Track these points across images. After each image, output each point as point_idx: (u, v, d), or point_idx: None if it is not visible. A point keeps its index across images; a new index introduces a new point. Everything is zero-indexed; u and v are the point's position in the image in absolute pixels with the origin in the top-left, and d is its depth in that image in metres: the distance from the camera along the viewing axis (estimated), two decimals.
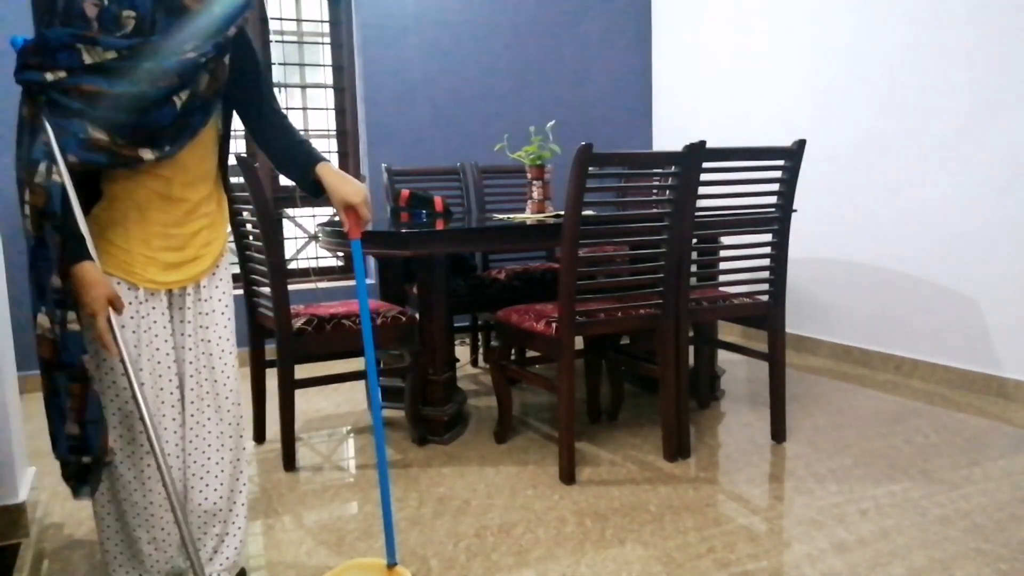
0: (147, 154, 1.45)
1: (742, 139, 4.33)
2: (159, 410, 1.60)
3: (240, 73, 1.63)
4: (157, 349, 1.59)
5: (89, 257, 1.42)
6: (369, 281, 4.46)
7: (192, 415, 1.64)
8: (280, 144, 1.71)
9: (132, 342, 1.56)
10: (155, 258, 1.56)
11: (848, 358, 3.85)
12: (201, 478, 1.66)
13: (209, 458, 1.67)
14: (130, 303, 1.56)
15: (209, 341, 1.66)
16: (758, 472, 2.47)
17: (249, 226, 2.62)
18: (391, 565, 1.75)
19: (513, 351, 3.25)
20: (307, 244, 4.43)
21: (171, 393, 1.61)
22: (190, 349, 1.63)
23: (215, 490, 1.68)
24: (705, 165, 2.39)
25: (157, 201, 1.54)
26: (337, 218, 4.50)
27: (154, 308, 1.59)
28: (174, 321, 1.64)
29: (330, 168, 1.68)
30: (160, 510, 1.63)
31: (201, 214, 1.64)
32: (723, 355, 3.47)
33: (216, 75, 1.53)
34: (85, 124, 1.39)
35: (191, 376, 1.64)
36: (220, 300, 1.70)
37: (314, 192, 1.71)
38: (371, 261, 4.46)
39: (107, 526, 1.63)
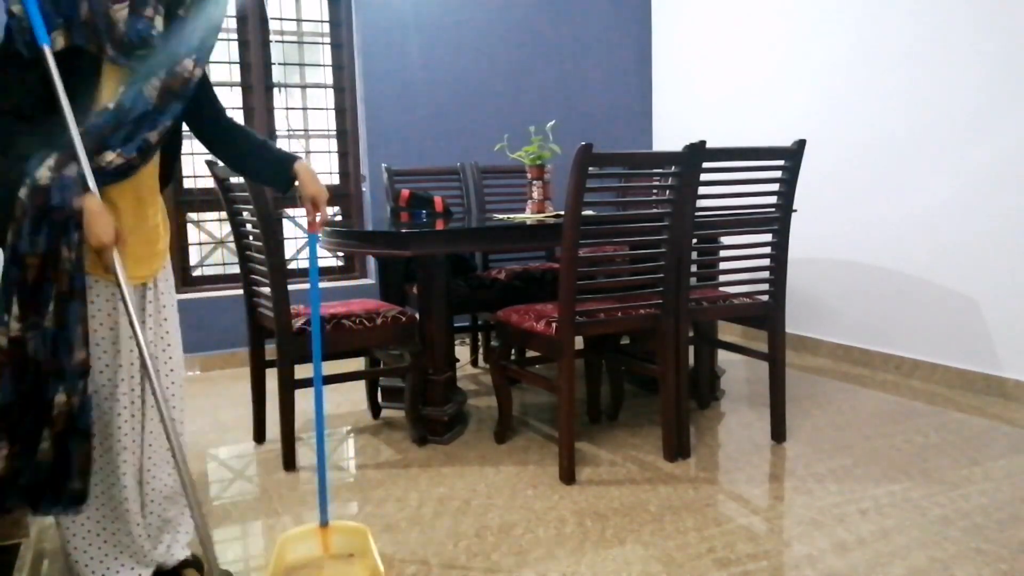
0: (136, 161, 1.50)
1: (742, 139, 4.33)
2: (121, 403, 1.61)
3: (202, 87, 1.67)
4: (110, 332, 1.60)
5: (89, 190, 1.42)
6: (369, 281, 4.46)
7: (152, 406, 1.66)
8: (248, 146, 1.80)
9: (111, 339, 1.58)
10: (129, 252, 1.57)
11: (848, 358, 3.85)
12: (159, 466, 1.70)
13: (164, 447, 1.70)
14: (107, 300, 1.57)
15: (168, 332, 1.71)
16: (758, 472, 2.47)
17: (249, 226, 2.62)
18: (323, 524, 1.85)
19: (513, 351, 3.25)
20: (307, 244, 4.43)
21: (132, 388, 1.63)
22: (151, 342, 1.66)
23: (168, 474, 1.72)
24: (705, 165, 2.39)
25: (126, 195, 1.56)
26: (338, 218, 4.51)
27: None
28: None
29: (305, 165, 1.82)
30: (133, 493, 1.64)
31: (156, 203, 1.68)
32: (723, 355, 3.47)
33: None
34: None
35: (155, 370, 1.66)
36: (170, 295, 1.75)
37: (285, 188, 1.83)
38: (371, 261, 4.46)
39: (81, 526, 1.63)
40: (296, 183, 1.81)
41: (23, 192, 1.35)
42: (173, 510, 1.75)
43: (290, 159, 1.81)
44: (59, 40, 1.40)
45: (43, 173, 1.36)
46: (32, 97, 1.41)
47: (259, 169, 1.85)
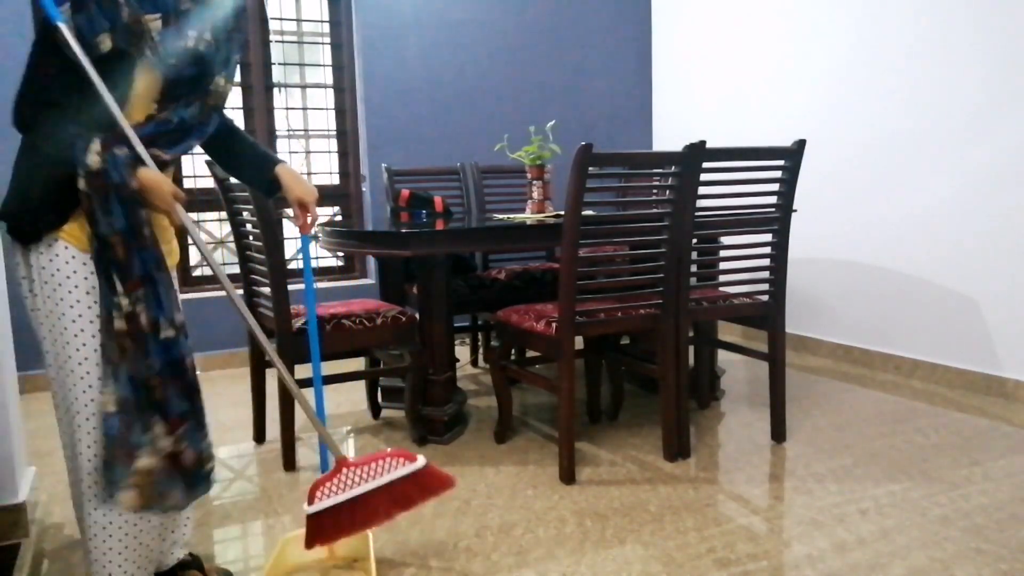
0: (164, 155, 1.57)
1: (742, 139, 4.33)
2: None
3: None
4: None
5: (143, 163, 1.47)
6: (369, 281, 4.46)
7: None
8: (237, 147, 1.82)
9: None
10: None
11: (848, 358, 3.85)
12: None
13: None
14: None
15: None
16: (758, 472, 2.47)
17: (249, 226, 2.62)
18: None
19: (513, 351, 3.25)
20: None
21: None
22: None
23: None
24: (705, 165, 2.39)
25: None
26: (338, 218, 4.50)
27: None
28: None
29: (287, 168, 1.83)
30: None
31: None
32: (723, 355, 3.48)
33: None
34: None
35: None
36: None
37: (269, 192, 1.85)
38: (371, 261, 4.46)
39: (103, 529, 1.61)
40: (281, 187, 1.82)
41: (81, 182, 1.40)
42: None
43: (271, 162, 1.81)
44: (106, 42, 1.43)
45: (92, 159, 1.41)
46: (72, 84, 1.42)
47: (243, 171, 1.87)
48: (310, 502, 1.62)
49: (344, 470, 1.66)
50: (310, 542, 1.63)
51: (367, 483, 1.65)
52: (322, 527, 1.62)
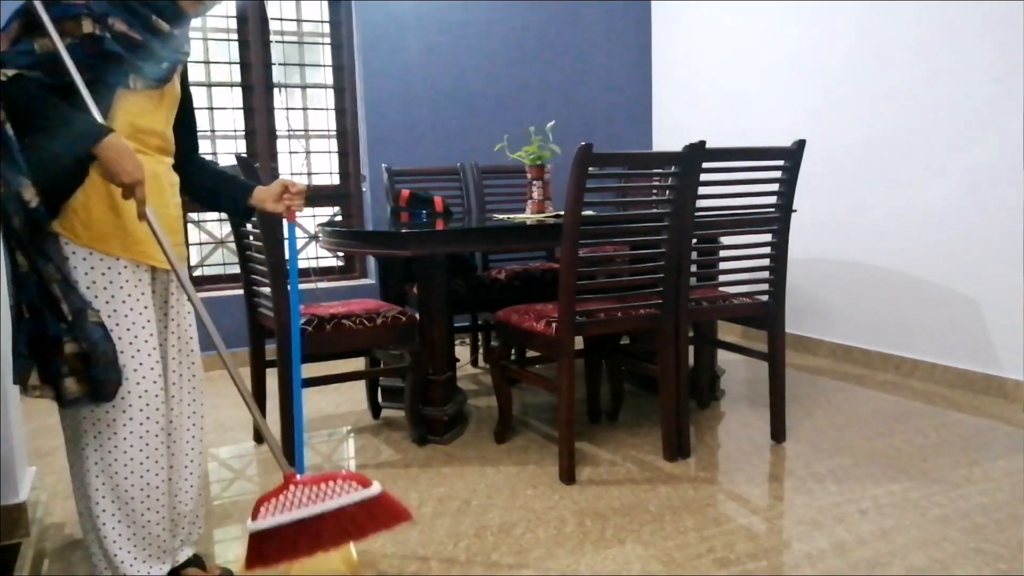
0: None
1: (742, 139, 4.33)
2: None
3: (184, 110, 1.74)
4: (150, 321, 1.61)
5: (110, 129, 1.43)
6: (369, 281, 4.46)
7: (173, 396, 1.70)
8: (212, 181, 1.83)
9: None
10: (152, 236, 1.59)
11: (848, 358, 3.85)
12: (189, 454, 1.76)
13: (189, 439, 1.76)
14: (135, 285, 1.57)
15: (192, 324, 1.76)
16: (758, 472, 2.47)
17: (249, 226, 2.62)
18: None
19: (513, 351, 3.25)
20: (307, 244, 4.43)
21: (153, 370, 1.62)
22: (172, 332, 1.70)
23: (196, 462, 1.77)
24: (705, 165, 2.39)
25: (151, 179, 1.57)
26: (338, 218, 4.50)
27: (141, 281, 1.60)
28: (158, 302, 1.69)
29: (260, 187, 1.82)
30: (163, 484, 1.63)
31: (176, 195, 1.71)
32: (723, 355, 3.47)
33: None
34: None
35: (173, 358, 1.70)
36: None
37: (247, 216, 1.91)
38: (371, 261, 4.46)
39: (109, 516, 1.60)
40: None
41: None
42: (193, 503, 1.77)
43: (250, 186, 1.80)
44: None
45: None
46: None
47: (221, 201, 1.86)
48: (254, 517, 1.49)
49: (292, 487, 1.53)
50: (250, 563, 1.48)
51: (315, 505, 1.51)
52: (263, 548, 1.48)
